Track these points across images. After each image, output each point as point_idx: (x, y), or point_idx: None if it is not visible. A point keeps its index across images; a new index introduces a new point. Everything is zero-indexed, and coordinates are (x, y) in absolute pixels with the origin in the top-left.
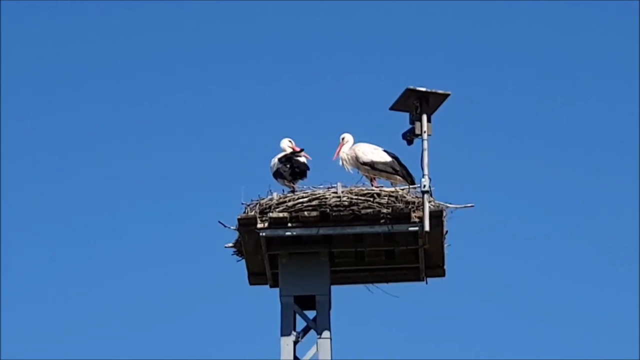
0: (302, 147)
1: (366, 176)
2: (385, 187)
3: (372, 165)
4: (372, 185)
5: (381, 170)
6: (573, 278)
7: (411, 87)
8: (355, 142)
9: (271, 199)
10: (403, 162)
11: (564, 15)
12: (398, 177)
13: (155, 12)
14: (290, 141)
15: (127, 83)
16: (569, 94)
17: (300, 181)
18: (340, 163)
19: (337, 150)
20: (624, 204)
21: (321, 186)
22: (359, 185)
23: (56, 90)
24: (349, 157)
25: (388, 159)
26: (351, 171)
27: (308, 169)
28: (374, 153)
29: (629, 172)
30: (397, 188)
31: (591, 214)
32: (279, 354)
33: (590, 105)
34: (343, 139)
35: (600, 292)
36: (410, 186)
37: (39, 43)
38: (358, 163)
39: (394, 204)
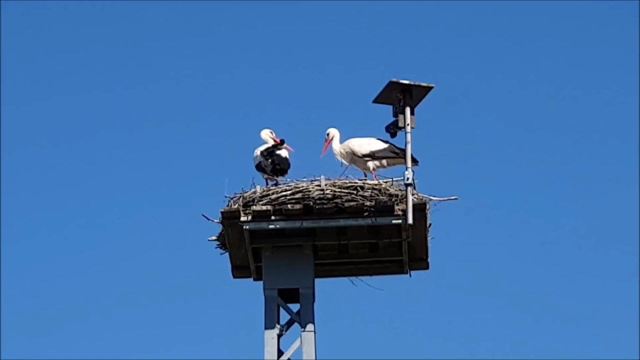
0: (283, 139)
1: (364, 169)
2: (368, 180)
3: (373, 155)
4: (374, 178)
5: (382, 157)
6: (558, 271)
7: (394, 79)
8: (342, 135)
9: (254, 192)
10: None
11: (548, 7)
12: (401, 159)
13: (138, 5)
14: (271, 132)
15: (110, 75)
16: (555, 86)
17: (281, 177)
18: (338, 158)
19: (325, 146)
20: (608, 197)
21: (304, 179)
22: (342, 178)
23: (39, 82)
24: (345, 152)
25: (385, 144)
26: (348, 166)
27: (289, 166)
28: (370, 143)
29: (611, 165)
30: (381, 181)
31: (577, 206)
32: (263, 348)
33: (576, 98)
34: (328, 134)
35: (586, 284)
36: (394, 179)
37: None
38: (355, 157)
39: (377, 197)
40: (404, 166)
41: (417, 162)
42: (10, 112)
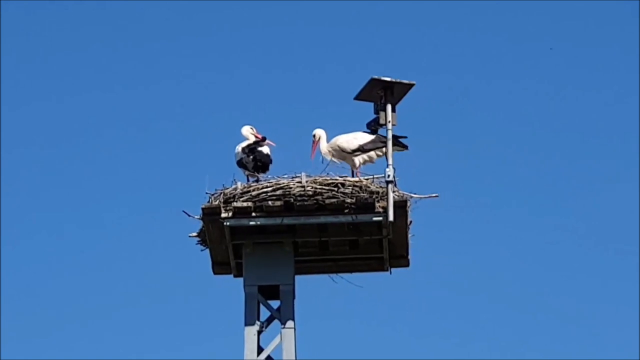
0: (264, 135)
1: (353, 166)
2: (349, 177)
3: (362, 149)
4: (357, 176)
5: (372, 149)
6: (538, 267)
7: (376, 76)
8: (328, 135)
9: (235, 189)
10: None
11: (548, 7)
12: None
13: (138, 5)
14: (251, 128)
15: (92, 74)
16: (536, 82)
17: (262, 174)
18: (328, 158)
19: (313, 147)
20: (608, 197)
21: (285, 176)
22: (323, 174)
23: (39, 82)
24: (334, 150)
25: (372, 136)
26: (339, 164)
27: (270, 162)
28: (357, 138)
29: (611, 165)
30: (362, 178)
31: (557, 203)
32: (243, 344)
33: (576, 98)
34: (314, 135)
35: (583, 284)
36: (375, 176)
37: None
38: (344, 154)
39: (358, 194)
40: (391, 158)
41: (407, 147)
42: (10, 112)
